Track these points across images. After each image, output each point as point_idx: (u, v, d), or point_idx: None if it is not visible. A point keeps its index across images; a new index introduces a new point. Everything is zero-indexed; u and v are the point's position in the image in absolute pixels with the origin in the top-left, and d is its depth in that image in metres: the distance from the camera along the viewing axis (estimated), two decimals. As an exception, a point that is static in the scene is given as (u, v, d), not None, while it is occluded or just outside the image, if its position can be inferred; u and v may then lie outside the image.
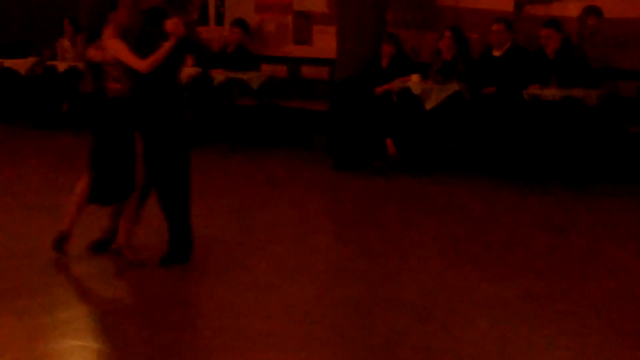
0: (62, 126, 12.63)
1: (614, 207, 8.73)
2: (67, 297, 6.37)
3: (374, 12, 11.06)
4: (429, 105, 10.02)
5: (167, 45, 6.63)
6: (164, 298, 6.22)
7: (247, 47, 12.33)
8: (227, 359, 5.16)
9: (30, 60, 13.42)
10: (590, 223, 8.20)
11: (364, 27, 11.00)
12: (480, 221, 8.33)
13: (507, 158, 9.85)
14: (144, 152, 6.78)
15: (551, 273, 6.66)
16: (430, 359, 5.11)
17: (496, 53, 10.27)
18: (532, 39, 10.28)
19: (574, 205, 8.80)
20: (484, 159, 10.17)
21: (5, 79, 13.55)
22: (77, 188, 7.00)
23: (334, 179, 10.17)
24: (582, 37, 10.26)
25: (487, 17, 10.73)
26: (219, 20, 13.17)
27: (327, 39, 11.93)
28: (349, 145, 10.53)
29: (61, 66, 12.79)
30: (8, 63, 13.50)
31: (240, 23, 12.43)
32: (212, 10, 13.28)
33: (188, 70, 12.10)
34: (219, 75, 11.85)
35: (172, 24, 6.65)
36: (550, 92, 9.54)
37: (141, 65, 6.60)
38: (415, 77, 10.29)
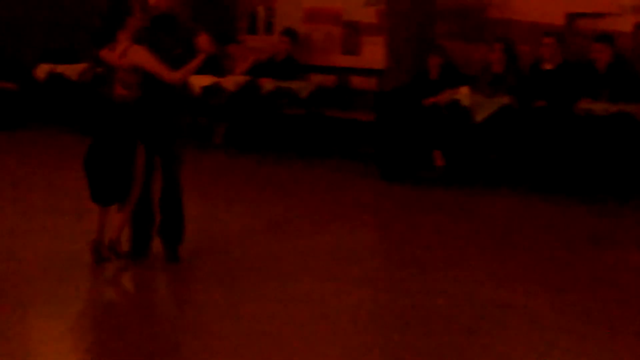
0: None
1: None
2: (99, 302, 6.40)
3: (423, 23, 11.03)
4: (478, 118, 9.94)
5: (198, 60, 6.73)
6: (221, 313, 6.19)
7: (296, 56, 12.34)
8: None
9: (82, 66, 13.52)
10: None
11: (413, 38, 10.96)
12: (528, 235, 8.23)
13: (555, 172, 9.73)
14: (144, 158, 6.77)
15: (602, 288, 6.56)
16: (473, 374, 5.07)
17: (547, 66, 10.18)
18: (583, 53, 10.17)
19: (621, 221, 8.68)
20: (531, 172, 10.05)
21: (58, 85, 13.67)
22: None
23: (379, 190, 10.13)
24: (636, 52, 10.13)
25: (537, 29, 10.64)
26: (268, 30, 13.19)
27: (376, 49, 11.90)
28: (396, 156, 10.48)
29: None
30: (60, 68, 13.63)
31: (289, 33, 12.45)
32: (261, 20, 13.31)
33: (236, 79, 12.17)
34: (267, 84, 11.88)
35: (204, 41, 6.75)
36: (602, 107, 9.43)
37: (173, 77, 6.67)
38: (464, 90, 10.22)
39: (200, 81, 11.93)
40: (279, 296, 6.32)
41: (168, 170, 6.93)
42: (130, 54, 6.68)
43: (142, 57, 6.66)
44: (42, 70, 13.74)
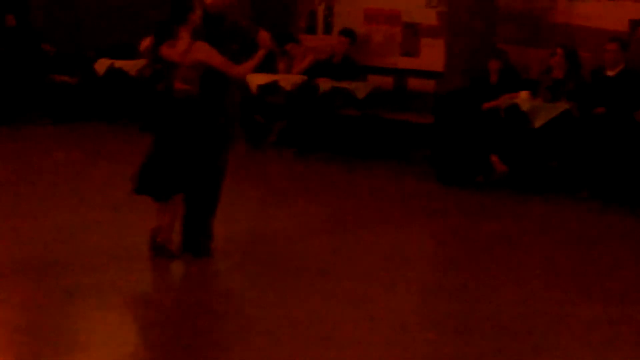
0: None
1: None
2: (157, 294, 6.42)
3: (484, 26, 10.91)
4: (537, 123, 9.81)
5: (259, 56, 6.87)
6: (270, 311, 6.13)
7: (354, 57, 12.30)
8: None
9: (141, 61, 13.59)
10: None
11: (473, 41, 10.86)
12: (582, 243, 8.11)
13: (614, 180, 9.57)
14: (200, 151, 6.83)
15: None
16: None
17: (609, 73, 10.02)
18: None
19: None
20: (590, 180, 9.89)
21: (116, 80, 13.78)
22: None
23: (434, 193, 10.04)
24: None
25: (600, 36, 10.48)
26: (327, 30, 13.16)
27: (435, 51, 11.81)
28: (453, 159, 10.39)
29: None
30: (119, 64, 13.73)
31: (348, 33, 12.40)
32: (320, 19, 13.29)
33: (293, 78, 12.15)
34: (324, 84, 11.84)
35: (264, 38, 6.94)
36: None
37: (238, 71, 6.84)
38: (524, 94, 10.10)
39: (257, 79, 11.94)
40: (328, 296, 6.29)
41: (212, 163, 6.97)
42: (194, 50, 6.77)
43: (207, 53, 6.77)
44: (101, 65, 13.86)
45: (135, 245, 7.09)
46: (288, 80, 12.09)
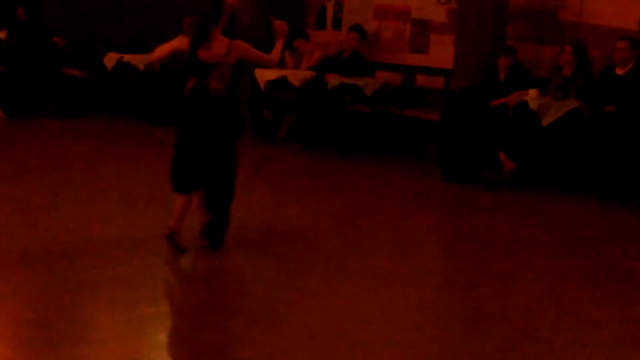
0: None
1: None
2: (168, 289, 6.43)
3: (494, 23, 10.88)
4: (545, 121, 9.80)
5: (280, 43, 7.15)
6: (288, 306, 6.15)
7: (363, 53, 12.29)
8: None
9: (149, 56, 13.59)
10: None
11: (483, 38, 10.82)
12: (592, 241, 8.10)
13: (624, 179, 9.56)
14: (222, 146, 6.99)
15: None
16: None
17: (619, 71, 10.00)
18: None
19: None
20: (599, 178, 9.89)
21: (124, 74, 13.80)
22: None
23: (443, 190, 10.04)
24: None
25: (610, 34, 10.46)
26: (337, 25, 13.16)
27: (444, 48, 11.80)
28: (461, 156, 10.39)
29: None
30: (128, 58, 13.74)
31: (357, 29, 12.39)
32: (329, 15, 13.28)
33: (302, 74, 12.15)
34: (332, 80, 11.84)
35: (281, 26, 7.22)
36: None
37: (272, 58, 7.16)
38: (533, 92, 10.08)
39: (266, 75, 11.94)
40: (342, 292, 6.30)
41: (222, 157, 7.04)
42: (235, 48, 6.95)
43: (247, 49, 7.04)
44: (110, 59, 13.87)
45: (146, 239, 7.11)
46: (297, 76, 12.09)
